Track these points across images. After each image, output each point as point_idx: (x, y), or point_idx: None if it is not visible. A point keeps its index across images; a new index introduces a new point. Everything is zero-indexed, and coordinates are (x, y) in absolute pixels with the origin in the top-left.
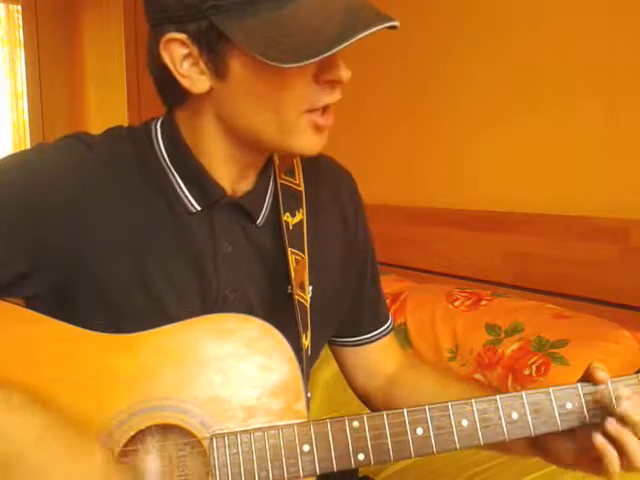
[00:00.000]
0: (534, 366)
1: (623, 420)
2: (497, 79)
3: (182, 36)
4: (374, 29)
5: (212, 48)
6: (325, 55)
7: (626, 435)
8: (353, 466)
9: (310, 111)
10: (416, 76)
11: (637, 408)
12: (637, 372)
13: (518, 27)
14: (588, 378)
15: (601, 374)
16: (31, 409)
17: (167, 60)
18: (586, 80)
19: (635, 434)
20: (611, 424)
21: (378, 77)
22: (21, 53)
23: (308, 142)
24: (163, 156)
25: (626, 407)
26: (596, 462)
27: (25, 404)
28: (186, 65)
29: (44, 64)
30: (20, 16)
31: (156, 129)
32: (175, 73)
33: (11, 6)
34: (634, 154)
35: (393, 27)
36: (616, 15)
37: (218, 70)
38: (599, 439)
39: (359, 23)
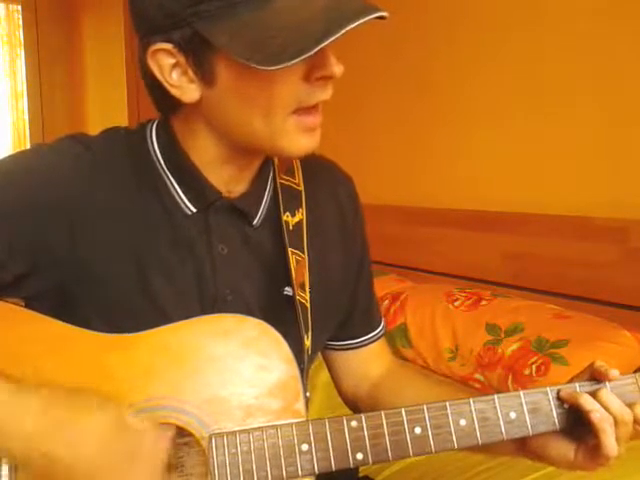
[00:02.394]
0: (534, 366)
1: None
2: (497, 79)
3: (168, 46)
4: (358, 22)
5: (198, 55)
6: (310, 53)
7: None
8: (352, 465)
9: (298, 112)
10: (416, 76)
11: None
12: (635, 372)
13: (518, 27)
14: (593, 375)
15: (612, 373)
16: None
17: (155, 71)
18: (586, 80)
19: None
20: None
21: (377, 77)
22: (21, 53)
23: (298, 144)
24: (158, 159)
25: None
26: (589, 455)
27: None
28: (175, 75)
29: (44, 64)
30: (20, 16)
31: (151, 132)
32: (164, 83)
33: (11, 6)
34: (634, 154)
35: (382, 17)
36: (616, 15)
37: (206, 77)
38: (595, 415)
39: (343, 17)
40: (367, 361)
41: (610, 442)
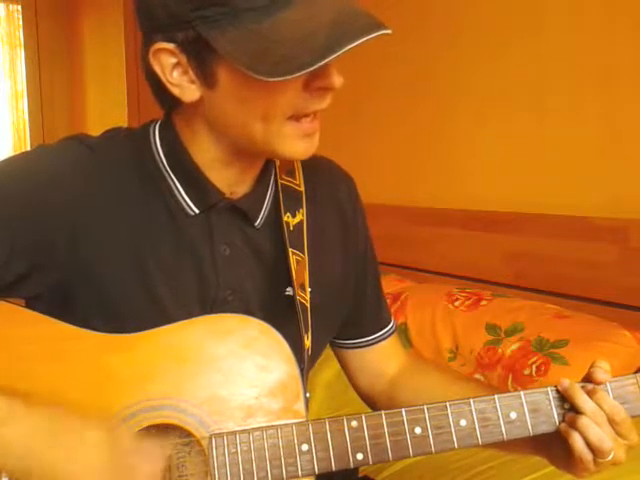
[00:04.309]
0: (534, 366)
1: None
2: (497, 79)
3: (170, 46)
4: (362, 40)
5: (200, 57)
6: (311, 69)
7: (582, 421)
8: (352, 466)
9: (295, 118)
10: (416, 76)
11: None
12: (636, 372)
13: (518, 28)
14: (590, 377)
15: (601, 376)
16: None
17: (157, 69)
18: (586, 80)
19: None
20: (568, 415)
21: (378, 77)
22: (21, 53)
23: (295, 148)
24: (161, 159)
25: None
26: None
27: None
28: (176, 74)
29: (44, 64)
30: (20, 16)
31: (154, 132)
32: (165, 82)
33: (11, 6)
34: (634, 154)
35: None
36: (616, 16)
37: (207, 79)
38: (562, 425)
39: (346, 34)
40: (381, 359)
41: (579, 447)
